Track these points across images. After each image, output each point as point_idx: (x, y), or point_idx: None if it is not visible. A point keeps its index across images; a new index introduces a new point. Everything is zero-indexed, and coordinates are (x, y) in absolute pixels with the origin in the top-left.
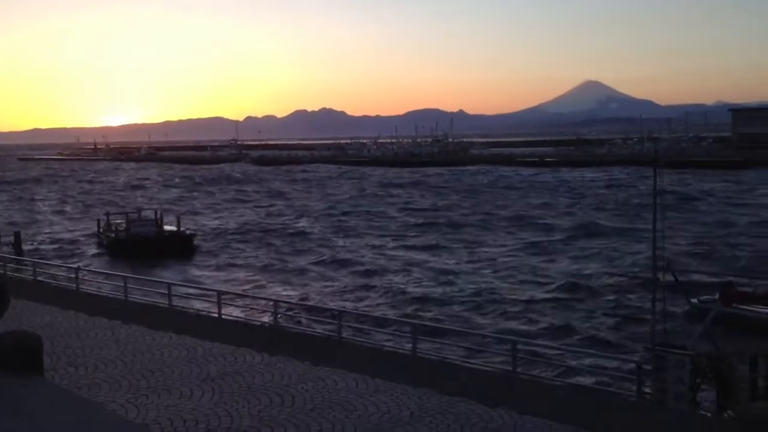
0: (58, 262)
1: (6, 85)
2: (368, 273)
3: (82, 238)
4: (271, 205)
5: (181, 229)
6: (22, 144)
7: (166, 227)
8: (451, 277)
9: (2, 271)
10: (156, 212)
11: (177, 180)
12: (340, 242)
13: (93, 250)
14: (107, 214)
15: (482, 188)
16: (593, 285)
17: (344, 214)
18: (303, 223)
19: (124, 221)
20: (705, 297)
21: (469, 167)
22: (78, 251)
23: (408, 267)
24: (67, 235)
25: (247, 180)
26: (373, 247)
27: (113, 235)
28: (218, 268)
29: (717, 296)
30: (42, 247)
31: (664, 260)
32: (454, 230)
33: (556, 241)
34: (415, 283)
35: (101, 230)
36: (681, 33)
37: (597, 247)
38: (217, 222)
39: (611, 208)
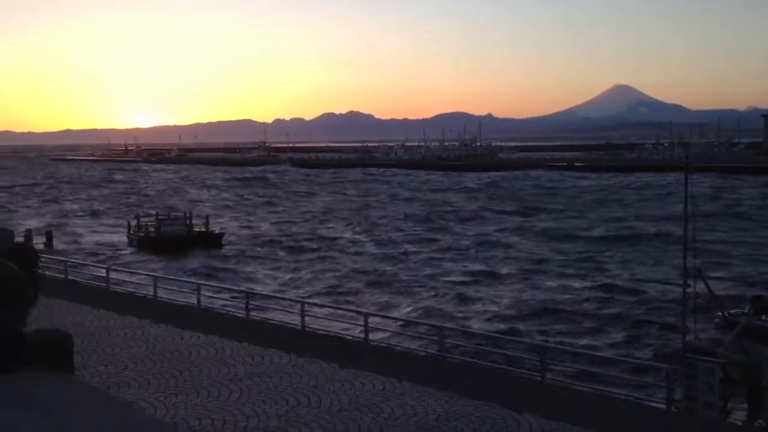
0: (89, 261)
1: (39, 85)
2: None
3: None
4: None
5: (210, 229)
6: (53, 144)
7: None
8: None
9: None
10: (186, 213)
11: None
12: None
13: (124, 252)
14: (137, 216)
15: (546, 194)
16: (627, 291)
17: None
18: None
19: (154, 221)
20: (735, 310)
21: (503, 172)
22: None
23: None
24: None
25: (307, 189)
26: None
27: (143, 234)
28: None
29: (748, 307)
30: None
31: (696, 269)
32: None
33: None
34: None
35: (132, 232)
36: (712, 37)
37: None
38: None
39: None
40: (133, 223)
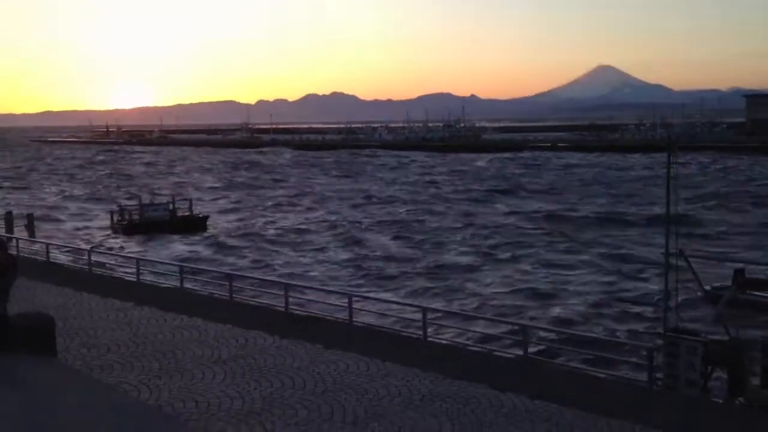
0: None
1: (18, 67)
2: None
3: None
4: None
5: (194, 212)
6: (33, 126)
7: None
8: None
9: (15, 253)
10: (171, 198)
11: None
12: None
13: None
14: (120, 206)
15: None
16: (608, 270)
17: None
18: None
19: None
20: (718, 284)
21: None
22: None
23: None
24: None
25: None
26: None
27: (126, 221)
28: None
29: (731, 282)
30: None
31: (677, 245)
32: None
33: None
34: None
35: (115, 221)
36: (695, 18)
37: None
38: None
39: None
40: (116, 213)
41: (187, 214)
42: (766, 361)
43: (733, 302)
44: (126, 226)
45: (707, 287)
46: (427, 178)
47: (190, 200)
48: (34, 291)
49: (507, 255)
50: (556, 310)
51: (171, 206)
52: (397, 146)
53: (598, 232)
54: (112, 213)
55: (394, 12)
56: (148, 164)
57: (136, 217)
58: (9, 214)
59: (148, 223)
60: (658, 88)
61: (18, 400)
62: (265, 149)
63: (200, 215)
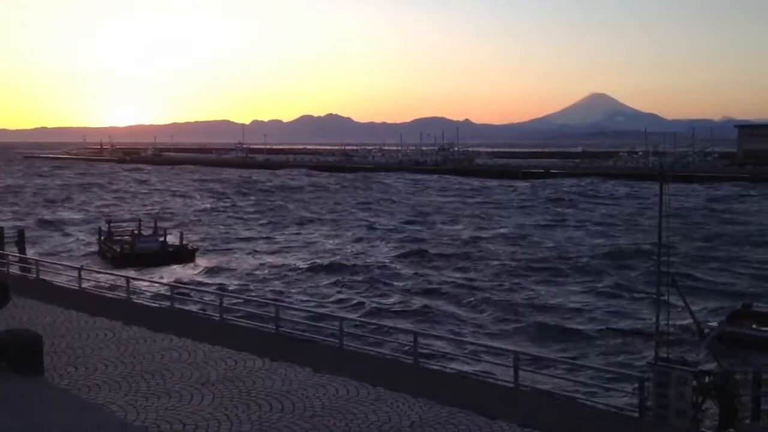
0: (62, 261)
1: (13, 83)
2: None
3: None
4: None
5: (184, 242)
6: (28, 142)
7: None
8: None
9: (5, 270)
10: (156, 225)
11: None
12: None
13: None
14: (108, 222)
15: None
16: (601, 298)
17: None
18: None
19: (127, 234)
20: (712, 322)
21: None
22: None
23: None
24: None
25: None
26: None
27: (118, 249)
28: None
29: (725, 317)
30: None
31: (669, 276)
32: None
33: None
34: None
35: (102, 239)
36: (688, 48)
37: None
38: None
39: None
40: (104, 231)
41: (176, 243)
42: (757, 391)
43: (723, 336)
44: (116, 257)
45: (714, 323)
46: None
47: (181, 232)
48: (22, 308)
49: (493, 283)
50: (548, 338)
51: (161, 237)
52: (392, 168)
53: (593, 260)
54: (100, 230)
55: (390, 36)
56: (167, 192)
57: (127, 247)
58: (0, 230)
59: (139, 256)
60: (651, 117)
61: (2, 418)
62: (279, 171)
63: (189, 247)
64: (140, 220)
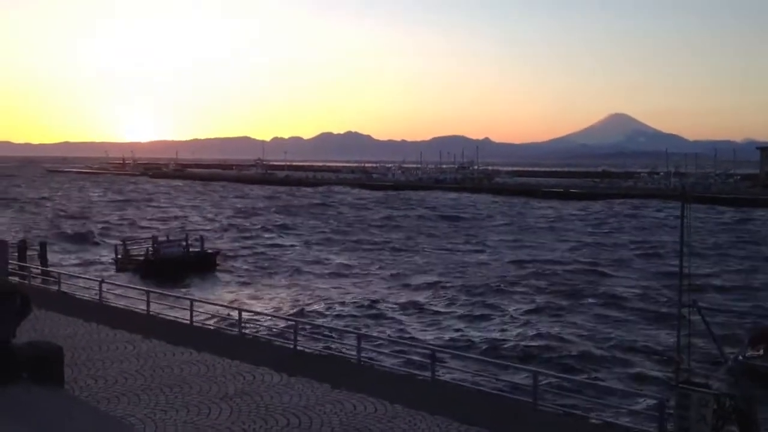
0: (84, 274)
1: (37, 97)
2: None
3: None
4: None
5: (205, 248)
6: (51, 157)
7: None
8: None
9: (27, 282)
10: (186, 235)
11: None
12: None
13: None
14: (124, 240)
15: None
16: (619, 319)
17: None
18: None
19: (151, 244)
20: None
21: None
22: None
23: None
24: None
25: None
26: None
27: (142, 257)
28: None
29: (747, 342)
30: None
31: (690, 297)
32: None
33: None
34: None
35: (119, 256)
36: (710, 69)
37: None
38: None
39: None
40: (120, 248)
41: (197, 250)
42: None
43: (745, 367)
44: (142, 264)
45: (734, 350)
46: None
47: (202, 237)
48: (43, 321)
49: (507, 301)
50: (568, 357)
51: (184, 243)
52: (415, 186)
53: (613, 279)
54: (116, 247)
55: (410, 55)
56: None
57: (151, 253)
58: (23, 242)
59: (163, 261)
60: (673, 138)
61: (22, 429)
62: (320, 188)
63: (209, 251)
64: (155, 237)
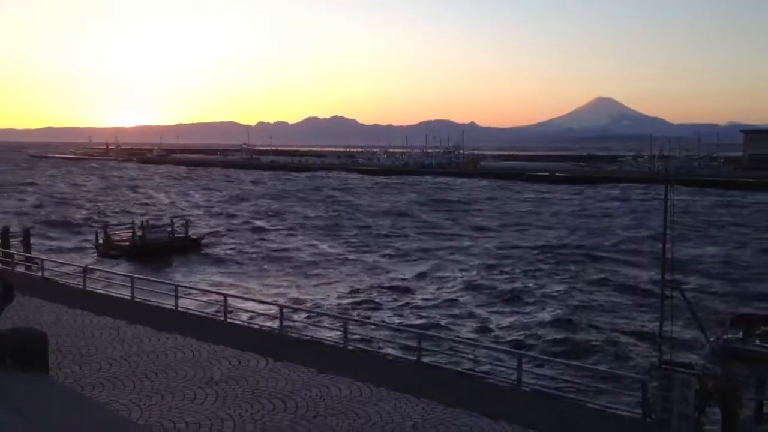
0: (66, 260)
1: (20, 83)
2: None
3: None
4: None
5: (190, 233)
6: (34, 142)
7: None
8: None
9: (10, 268)
10: (171, 221)
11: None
12: None
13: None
14: (105, 226)
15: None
16: (604, 301)
17: None
18: None
19: (134, 229)
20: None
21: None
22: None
23: None
24: None
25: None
26: None
27: (127, 243)
28: None
29: (728, 324)
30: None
31: (673, 279)
32: None
33: None
34: None
35: (100, 242)
36: (693, 52)
37: None
38: None
39: None
40: (101, 234)
41: (182, 235)
42: (761, 397)
43: (726, 349)
44: (128, 249)
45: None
46: None
47: (187, 221)
48: (27, 307)
49: (505, 286)
50: (553, 340)
51: (169, 228)
52: (401, 171)
53: (592, 263)
54: (96, 233)
55: (396, 39)
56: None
57: (138, 238)
58: (6, 229)
59: (149, 246)
60: (657, 121)
61: (6, 415)
62: (320, 172)
63: (194, 237)
64: (133, 222)
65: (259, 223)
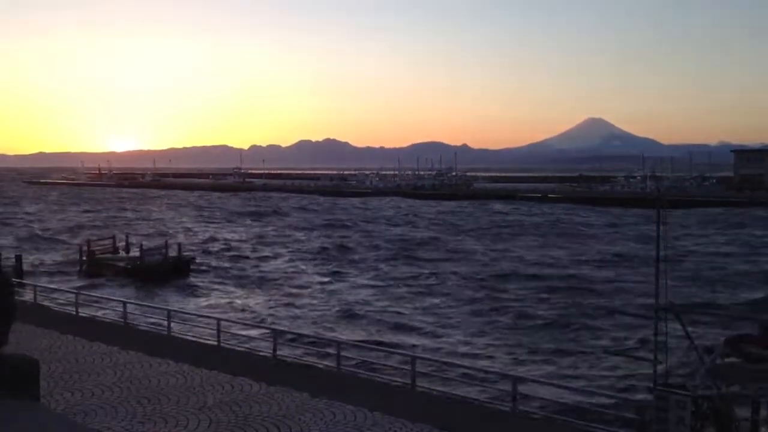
0: (59, 286)
1: (12, 108)
2: None
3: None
4: None
5: (183, 253)
6: (27, 168)
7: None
8: None
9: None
10: (165, 242)
11: None
12: None
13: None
14: (88, 241)
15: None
16: (596, 322)
17: None
18: None
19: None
20: (711, 344)
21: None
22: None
23: None
24: None
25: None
26: None
27: (126, 264)
28: None
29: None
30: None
31: (666, 299)
32: None
33: None
34: None
35: (84, 257)
36: (683, 73)
37: None
38: None
39: None
40: (84, 249)
41: (175, 255)
42: (756, 417)
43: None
44: (130, 271)
45: (698, 350)
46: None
47: (179, 244)
48: (19, 333)
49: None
50: (546, 362)
51: (163, 250)
52: (393, 193)
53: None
54: (80, 248)
55: (388, 62)
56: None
57: (138, 262)
58: None
59: (149, 269)
60: (648, 141)
61: None
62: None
63: (186, 258)
64: (114, 236)
65: (250, 247)
